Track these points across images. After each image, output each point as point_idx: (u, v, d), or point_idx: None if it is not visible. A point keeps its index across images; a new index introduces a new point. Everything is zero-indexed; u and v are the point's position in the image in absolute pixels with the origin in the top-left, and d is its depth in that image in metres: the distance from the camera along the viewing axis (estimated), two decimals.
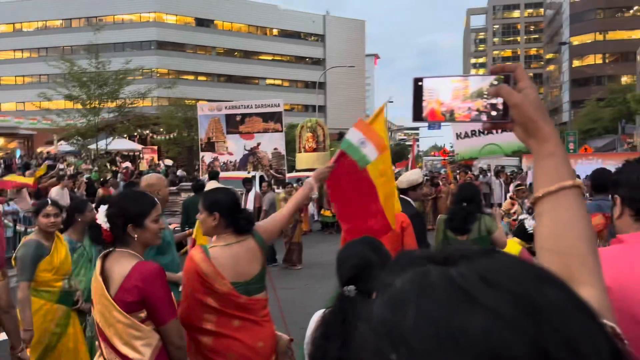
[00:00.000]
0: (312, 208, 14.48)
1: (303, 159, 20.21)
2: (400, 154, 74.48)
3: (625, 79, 57.93)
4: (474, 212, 4.40)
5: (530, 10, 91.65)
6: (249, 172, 12.51)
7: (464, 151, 7.41)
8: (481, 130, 7.16)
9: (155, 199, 2.57)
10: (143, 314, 2.23)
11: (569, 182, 0.89)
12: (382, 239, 3.81)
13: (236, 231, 2.75)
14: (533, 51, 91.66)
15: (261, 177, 11.40)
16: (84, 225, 4.13)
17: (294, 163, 20.99)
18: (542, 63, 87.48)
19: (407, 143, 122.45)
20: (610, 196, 1.67)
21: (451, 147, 29.99)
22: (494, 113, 0.92)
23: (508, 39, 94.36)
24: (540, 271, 0.49)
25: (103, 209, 2.37)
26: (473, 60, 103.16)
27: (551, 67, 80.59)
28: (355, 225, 3.31)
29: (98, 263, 2.33)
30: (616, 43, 63.70)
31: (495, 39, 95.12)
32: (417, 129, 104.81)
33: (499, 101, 0.92)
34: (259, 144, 14.42)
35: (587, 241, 0.89)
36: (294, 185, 12.27)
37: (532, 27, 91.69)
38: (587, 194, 4.85)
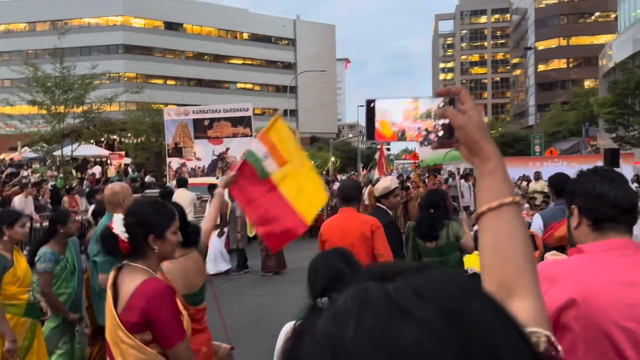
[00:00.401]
0: None
1: None
2: (371, 158, 75.06)
3: (588, 83, 59.67)
4: (441, 219, 4.41)
5: (496, 16, 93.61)
6: (217, 178, 12.28)
7: (428, 157, 7.47)
8: None
9: (173, 209, 2.42)
10: (148, 336, 2.07)
11: (508, 199, 0.93)
12: (355, 242, 3.87)
13: (184, 244, 2.69)
14: (500, 56, 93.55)
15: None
16: (66, 237, 4.07)
17: None
18: (509, 67, 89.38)
19: (377, 147, 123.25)
20: (567, 206, 1.69)
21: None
22: (441, 133, 0.98)
23: (475, 44, 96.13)
24: (469, 285, 0.53)
25: (119, 218, 2.19)
26: (442, 65, 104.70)
27: (517, 72, 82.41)
28: (271, 229, 3.47)
29: (111, 275, 2.20)
30: (579, 48, 65.58)
31: (463, 44, 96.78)
32: None
33: (446, 122, 0.97)
34: (227, 149, 14.14)
35: (524, 254, 0.92)
36: None
37: (499, 32, 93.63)
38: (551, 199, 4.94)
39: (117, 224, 2.17)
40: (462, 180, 18.81)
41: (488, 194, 0.95)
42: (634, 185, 18.11)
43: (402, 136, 1.01)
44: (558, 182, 4.30)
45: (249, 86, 69.49)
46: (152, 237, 2.17)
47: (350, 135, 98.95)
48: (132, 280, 2.11)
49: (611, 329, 1.41)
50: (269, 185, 3.55)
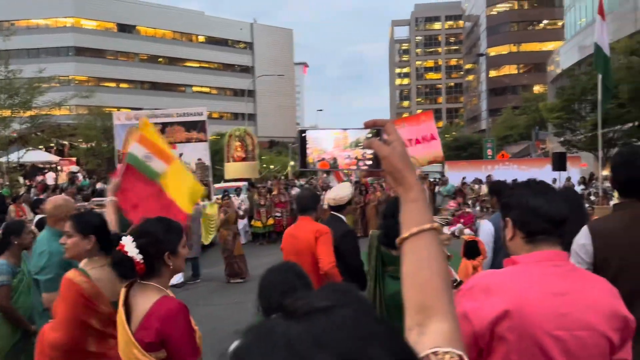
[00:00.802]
0: (245, 221, 14.13)
1: (232, 169, 19.90)
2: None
3: (537, 88, 61.81)
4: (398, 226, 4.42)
5: (450, 23, 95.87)
6: None
7: None
8: None
9: (179, 224, 2.40)
10: (162, 354, 2.07)
11: (427, 226, 1.01)
12: (302, 249, 3.90)
13: (108, 252, 2.63)
14: (453, 62, 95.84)
15: None
16: (21, 249, 3.95)
17: (222, 173, 20.61)
18: (462, 73, 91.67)
19: None
20: (502, 218, 1.75)
21: None
22: (370, 162, 1.06)
23: (430, 49, 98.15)
24: (370, 328, 0.57)
25: (130, 240, 2.14)
26: (398, 70, 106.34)
27: (470, 77, 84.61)
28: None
29: (122, 293, 2.16)
30: (529, 54, 67.93)
31: (418, 50, 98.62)
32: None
33: (373, 152, 1.06)
34: (181, 155, 13.82)
35: (441, 277, 0.99)
36: (231, 195, 11.88)
37: (453, 38, 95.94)
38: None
39: (130, 247, 2.11)
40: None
41: (410, 221, 1.03)
42: (580, 187, 18.86)
43: (334, 164, 1.09)
44: (497, 190, 4.48)
45: (206, 90, 68.60)
46: (167, 254, 2.19)
47: None
48: (146, 298, 2.11)
49: (543, 338, 1.47)
50: (157, 187, 3.64)
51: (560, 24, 55.58)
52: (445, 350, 0.87)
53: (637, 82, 18.11)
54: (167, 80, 64.35)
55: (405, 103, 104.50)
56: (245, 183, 17.61)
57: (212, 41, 69.36)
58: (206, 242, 12.35)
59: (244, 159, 20.02)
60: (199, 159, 13.68)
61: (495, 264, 3.99)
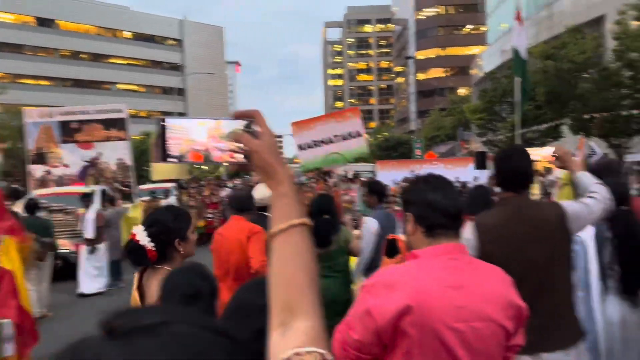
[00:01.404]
0: None
1: (159, 169, 19.22)
2: None
3: (462, 91, 64.43)
4: (336, 224, 4.40)
5: (381, 26, 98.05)
6: (88, 187, 11.34)
7: (307, 162, 7.49)
8: (322, 140, 7.36)
9: (187, 210, 2.47)
10: None
11: (297, 221, 0.98)
12: (233, 249, 3.80)
13: None
14: (384, 64, 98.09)
15: (103, 192, 10.41)
16: None
17: (150, 174, 19.95)
18: (393, 75, 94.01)
19: None
20: (403, 213, 1.79)
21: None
22: (240, 156, 1.02)
23: (362, 52, 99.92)
24: (205, 347, 0.54)
25: (140, 230, 2.27)
26: (331, 72, 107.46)
27: (400, 80, 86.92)
28: None
29: (135, 277, 2.31)
30: (455, 58, 70.67)
31: (350, 52, 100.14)
32: (281, 136, 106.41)
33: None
34: (100, 154, 13.00)
35: (307, 274, 0.96)
36: (159, 197, 11.44)
37: (383, 41, 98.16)
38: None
39: (141, 236, 2.24)
40: (350, 183, 19.38)
41: (280, 216, 0.99)
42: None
43: (208, 157, 1.00)
44: (379, 189, 4.89)
45: (133, 87, 66.21)
46: (177, 240, 2.29)
47: None
48: (157, 282, 2.16)
49: (443, 331, 1.50)
50: None
51: (483, 29, 58.22)
52: (307, 349, 0.85)
53: (552, 85, 19.22)
54: (91, 77, 61.54)
55: (339, 104, 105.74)
56: (174, 184, 17.14)
57: (139, 37, 67.05)
58: None
59: None
60: (120, 159, 13.05)
61: (377, 260, 4.08)
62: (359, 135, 7.43)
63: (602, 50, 21.37)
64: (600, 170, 3.58)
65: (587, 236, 2.95)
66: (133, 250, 2.28)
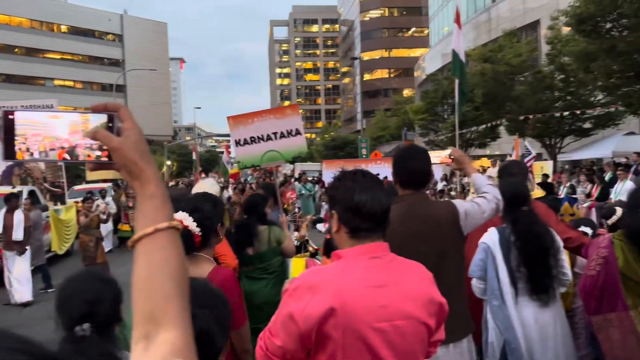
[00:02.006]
0: (109, 225, 12.98)
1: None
2: (210, 162, 73.73)
3: (406, 92, 65.85)
4: (253, 225, 4.30)
5: (327, 26, 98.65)
6: (14, 187, 10.64)
7: (245, 159, 7.35)
8: (260, 137, 7.25)
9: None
10: None
11: (164, 224, 0.90)
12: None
13: None
14: (331, 64, 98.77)
15: (32, 192, 9.87)
16: None
17: (85, 173, 19.17)
18: (339, 75, 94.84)
19: (217, 150, 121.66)
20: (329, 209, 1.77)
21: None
22: (98, 153, 0.92)
23: (309, 51, 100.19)
24: None
25: (185, 215, 2.26)
26: (278, 70, 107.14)
27: (346, 80, 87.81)
28: None
29: None
30: (399, 60, 72.13)
31: (298, 51, 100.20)
32: (228, 135, 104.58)
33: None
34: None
35: (175, 282, 0.89)
36: (96, 199, 10.85)
37: (330, 41, 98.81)
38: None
39: (189, 221, 2.26)
40: (296, 183, 19.35)
41: (145, 219, 0.91)
42: (442, 184, 20.32)
43: (72, 153, 0.91)
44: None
45: (70, 83, 63.53)
46: (219, 225, 2.38)
47: (187, 138, 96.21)
48: (199, 268, 2.26)
49: (366, 331, 1.49)
50: None
51: (426, 31, 59.67)
52: None
53: (489, 87, 19.91)
54: (25, 72, 58.55)
55: (286, 103, 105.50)
56: (110, 184, 16.49)
57: (77, 31, 64.37)
58: (60, 252, 11.26)
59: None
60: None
61: None
62: (298, 133, 7.34)
63: (537, 54, 22.36)
64: (501, 171, 3.71)
65: (492, 242, 2.98)
66: (182, 236, 2.23)
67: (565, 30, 16.77)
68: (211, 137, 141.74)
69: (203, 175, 29.83)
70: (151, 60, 67.75)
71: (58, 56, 62.71)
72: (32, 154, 0.89)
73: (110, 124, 0.92)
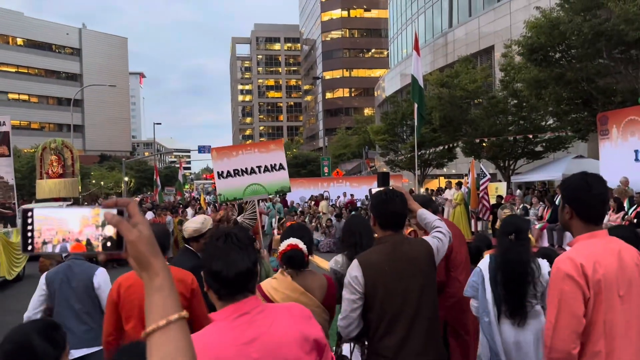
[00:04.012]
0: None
1: (46, 187, 17.77)
2: (170, 178, 72.47)
3: (367, 111, 66.90)
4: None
5: (289, 45, 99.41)
6: None
7: (226, 191, 7.32)
8: (243, 170, 7.31)
9: None
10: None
11: (175, 316, 0.97)
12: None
13: None
14: (293, 82, 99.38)
15: None
16: None
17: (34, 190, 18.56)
18: (301, 93, 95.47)
19: (176, 166, 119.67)
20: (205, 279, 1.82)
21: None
22: (109, 244, 0.99)
23: (271, 69, 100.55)
24: None
25: (299, 241, 2.87)
26: (240, 87, 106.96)
27: (308, 98, 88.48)
28: None
29: (293, 282, 2.79)
30: (359, 80, 73.32)
31: (260, 68, 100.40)
32: (188, 151, 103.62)
33: (113, 231, 0.99)
34: None
35: None
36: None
37: (292, 59, 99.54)
38: None
39: (302, 246, 2.85)
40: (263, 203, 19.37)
41: (157, 312, 0.97)
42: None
43: (89, 245, 1.00)
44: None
45: (25, 97, 61.65)
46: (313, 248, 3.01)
47: (146, 154, 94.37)
48: (316, 278, 2.88)
49: None
50: None
51: (385, 53, 61.01)
52: None
53: (446, 110, 20.57)
54: None
55: (248, 119, 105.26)
56: (62, 203, 15.91)
57: (33, 45, 62.76)
58: (9, 277, 10.54)
59: (61, 175, 17.88)
60: (0, 177, 11.98)
61: None
62: (282, 167, 7.46)
63: (491, 79, 23.28)
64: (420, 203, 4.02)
65: (484, 266, 3.34)
66: (297, 256, 2.84)
67: (518, 58, 17.58)
68: (171, 153, 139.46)
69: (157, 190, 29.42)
70: (110, 75, 66.60)
71: (13, 69, 60.87)
72: (46, 245, 0.98)
73: (121, 215, 0.99)
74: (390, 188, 2.74)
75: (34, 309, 3.56)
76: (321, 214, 18.54)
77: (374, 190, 2.84)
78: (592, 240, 2.04)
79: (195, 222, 3.78)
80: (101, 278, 3.61)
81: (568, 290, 1.92)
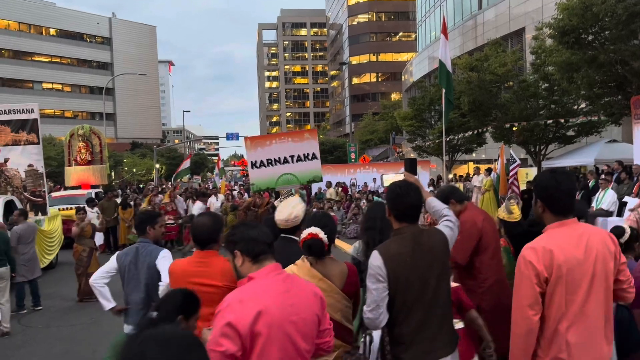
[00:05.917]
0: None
1: (74, 174, 17.83)
2: (199, 164, 73.42)
3: (394, 96, 66.29)
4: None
5: (315, 30, 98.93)
6: None
7: (260, 181, 7.37)
8: (277, 159, 7.37)
9: None
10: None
11: None
12: (212, 298, 3.63)
13: None
14: (319, 68, 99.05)
15: (10, 203, 9.46)
16: None
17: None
18: (328, 79, 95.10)
19: (206, 152, 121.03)
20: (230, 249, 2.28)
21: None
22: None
23: (297, 55, 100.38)
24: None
25: (319, 230, 2.89)
26: (267, 73, 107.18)
27: (335, 83, 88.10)
28: None
29: (312, 268, 2.90)
30: (387, 64, 72.60)
31: (286, 54, 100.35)
32: (216, 138, 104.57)
33: None
34: (6, 160, 11.68)
35: None
36: (86, 208, 10.38)
37: (318, 45, 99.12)
38: None
39: (322, 235, 2.88)
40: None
41: None
42: (430, 189, 20.63)
43: None
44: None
45: (58, 87, 63.12)
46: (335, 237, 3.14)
47: (177, 141, 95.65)
48: (337, 265, 2.96)
49: (285, 325, 2.02)
50: None
51: (413, 36, 60.14)
52: None
53: (475, 94, 20.27)
54: (13, 75, 58.15)
55: (275, 106, 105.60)
56: (91, 190, 16.07)
57: (65, 35, 64.05)
58: (42, 265, 10.17)
59: (90, 162, 17.88)
60: (30, 165, 11.86)
61: None
62: (315, 157, 7.48)
63: (522, 63, 22.79)
64: (444, 192, 4.10)
65: None
66: (316, 244, 2.88)
67: (549, 40, 17.18)
68: (200, 140, 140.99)
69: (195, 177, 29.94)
70: (140, 63, 67.57)
71: (46, 59, 62.33)
72: None
73: None
74: (405, 180, 2.83)
75: (100, 277, 4.04)
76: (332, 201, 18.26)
77: (385, 177, 2.93)
78: (561, 228, 2.34)
79: (290, 210, 3.34)
80: (165, 257, 3.82)
81: (527, 274, 2.26)
